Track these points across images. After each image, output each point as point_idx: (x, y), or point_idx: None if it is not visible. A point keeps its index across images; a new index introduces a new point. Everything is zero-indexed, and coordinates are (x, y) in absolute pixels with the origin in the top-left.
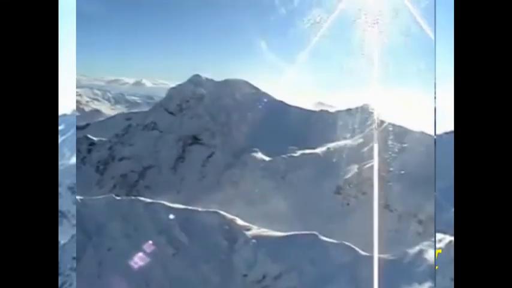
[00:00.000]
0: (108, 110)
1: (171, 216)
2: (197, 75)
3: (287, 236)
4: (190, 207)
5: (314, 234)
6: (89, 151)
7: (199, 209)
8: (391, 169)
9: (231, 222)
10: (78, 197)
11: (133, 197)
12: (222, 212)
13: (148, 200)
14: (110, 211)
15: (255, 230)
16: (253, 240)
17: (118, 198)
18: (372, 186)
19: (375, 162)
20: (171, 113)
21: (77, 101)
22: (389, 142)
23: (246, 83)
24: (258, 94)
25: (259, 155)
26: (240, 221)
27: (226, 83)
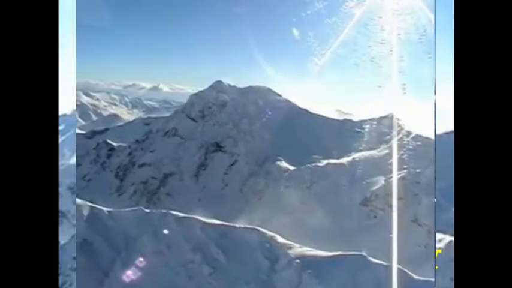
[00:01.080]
0: (125, 114)
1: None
2: (219, 82)
3: (333, 256)
4: (226, 223)
5: (362, 255)
6: (109, 156)
7: (237, 225)
8: (419, 182)
9: (271, 239)
10: (105, 209)
11: (164, 211)
12: (261, 229)
13: (181, 215)
14: (139, 225)
15: (297, 249)
16: (297, 260)
17: (147, 211)
18: (400, 199)
19: (394, 174)
20: (193, 120)
21: (95, 105)
22: (416, 153)
23: (269, 90)
24: (281, 102)
25: (284, 164)
26: (280, 239)
27: (249, 89)
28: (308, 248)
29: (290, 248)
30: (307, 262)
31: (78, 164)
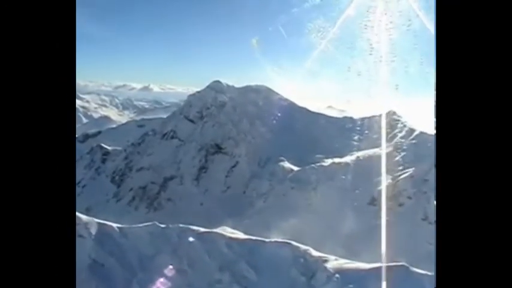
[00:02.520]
0: (116, 115)
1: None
2: (217, 81)
3: (373, 268)
4: (253, 237)
5: (404, 266)
6: (104, 161)
7: (266, 240)
8: (428, 179)
9: (305, 253)
10: (115, 225)
11: (181, 225)
12: (294, 243)
13: (202, 229)
14: (155, 242)
15: (334, 262)
16: (337, 275)
17: (163, 226)
18: (409, 197)
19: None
20: (191, 121)
21: (85, 108)
22: (422, 151)
23: (269, 89)
24: (280, 100)
25: (287, 165)
26: (314, 252)
27: (248, 89)
28: (346, 261)
29: (326, 261)
30: (346, 276)
31: None
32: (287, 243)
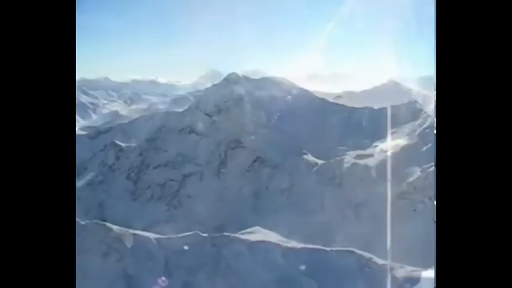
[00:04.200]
0: (125, 110)
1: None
2: (234, 73)
3: None
4: (311, 246)
5: None
6: (118, 158)
7: (326, 248)
8: None
9: (370, 262)
10: (152, 236)
11: (226, 233)
12: (357, 251)
13: (252, 239)
14: (199, 254)
15: (400, 270)
16: (407, 285)
17: (204, 235)
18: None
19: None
20: (209, 115)
21: (93, 104)
22: None
23: (286, 80)
24: (298, 91)
25: (310, 158)
26: (378, 260)
27: (265, 80)
28: (412, 268)
29: (392, 269)
30: (418, 286)
31: (84, 168)
32: (350, 251)
